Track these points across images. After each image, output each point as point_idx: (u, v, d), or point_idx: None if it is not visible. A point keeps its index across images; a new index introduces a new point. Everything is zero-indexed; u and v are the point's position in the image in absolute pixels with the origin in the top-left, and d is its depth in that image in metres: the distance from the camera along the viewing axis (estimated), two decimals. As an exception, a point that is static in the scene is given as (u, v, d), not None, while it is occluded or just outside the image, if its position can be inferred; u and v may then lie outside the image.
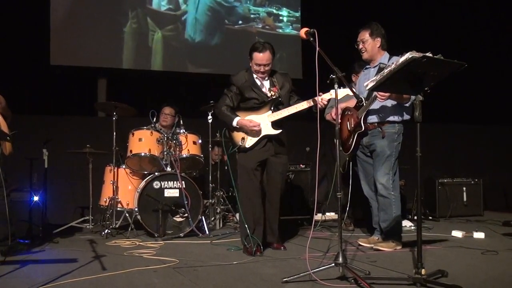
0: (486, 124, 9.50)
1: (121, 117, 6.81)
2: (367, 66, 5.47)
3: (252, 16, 10.15)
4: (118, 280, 4.00)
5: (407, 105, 5.10)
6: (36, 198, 6.33)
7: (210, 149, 7.26)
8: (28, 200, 6.27)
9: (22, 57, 8.38)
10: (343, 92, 4.62)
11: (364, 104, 5.12)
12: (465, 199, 8.26)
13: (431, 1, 9.80)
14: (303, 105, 4.99)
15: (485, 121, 9.57)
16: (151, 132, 6.60)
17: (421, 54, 3.66)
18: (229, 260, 4.73)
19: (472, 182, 8.40)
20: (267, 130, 5.11)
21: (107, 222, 6.43)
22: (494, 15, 10.42)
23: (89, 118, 8.73)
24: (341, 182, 4.17)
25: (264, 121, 5.10)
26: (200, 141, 6.88)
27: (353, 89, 4.86)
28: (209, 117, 7.08)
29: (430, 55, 3.97)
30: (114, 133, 6.60)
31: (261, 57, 5.14)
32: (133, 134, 6.62)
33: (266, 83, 5.28)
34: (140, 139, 6.57)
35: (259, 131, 5.09)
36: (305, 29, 4.37)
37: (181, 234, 6.24)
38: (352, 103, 5.60)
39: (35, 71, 8.56)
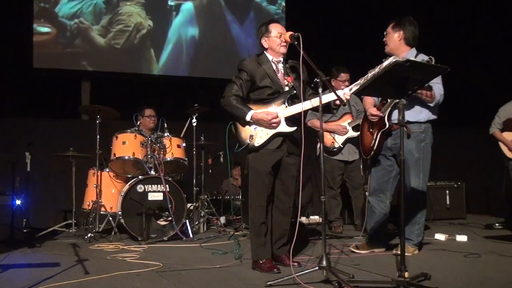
0: (469, 128, 9.55)
1: (105, 120, 6.78)
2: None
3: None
4: (101, 284, 3.99)
5: (431, 105, 4.94)
6: (18, 202, 6.29)
7: (194, 152, 7.23)
8: (10, 204, 6.22)
9: (4, 59, 8.34)
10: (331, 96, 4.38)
11: (388, 102, 5.02)
12: (448, 202, 8.34)
13: (422, 3, 9.94)
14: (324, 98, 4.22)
15: (468, 125, 9.63)
16: (135, 136, 6.58)
17: (404, 58, 3.69)
18: (213, 264, 4.71)
19: (455, 185, 8.48)
20: (281, 127, 4.45)
21: (90, 226, 6.39)
22: (470, 18, 10.56)
23: (72, 121, 8.69)
24: (325, 186, 4.19)
25: None
26: (184, 144, 6.86)
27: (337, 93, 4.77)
28: (194, 120, 7.08)
29: (413, 59, 4.00)
30: (98, 136, 6.56)
31: (281, 26, 4.64)
32: (116, 137, 6.59)
33: (281, 69, 4.62)
34: (124, 142, 6.54)
35: (276, 126, 4.45)
36: (289, 33, 4.37)
37: (165, 238, 6.21)
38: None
39: (17, 74, 8.52)
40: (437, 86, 4.77)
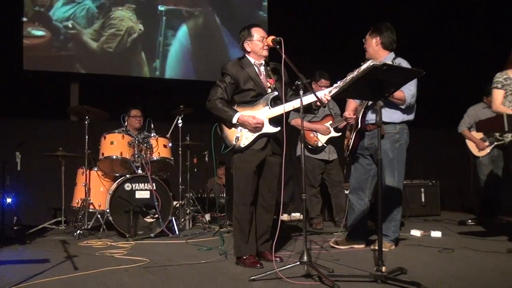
0: (443, 129, 9.67)
1: (94, 121, 6.85)
2: None
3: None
4: (90, 280, 4.03)
5: (402, 107, 5.05)
6: (9, 200, 6.36)
7: (180, 151, 7.34)
8: (0, 202, 6.31)
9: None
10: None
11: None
12: (423, 200, 8.51)
13: (402, 6, 10.13)
14: (304, 100, 4.28)
15: (442, 126, 9.76)
16: (123, 136, 6.66)
17: (381, 62, 3.84)
18: (198, 260, 4.77)
19: (430, 183, 8.65)
20: (265, 128, 4.52)
21: (79, 223, 6.47)
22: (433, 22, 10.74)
23: (62, 121, 8.75)
24: (306, 184, 4.30)
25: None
26: (170, 144, 6.96)
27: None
28: (179, 121, 7.19)
29: (390, 62, 4.16)
30: (87, 137, 6.62)
31: (263, 30, 4.69)
32: (105, 137, 6.67)
33: (263, 71, 4.69)
34: (112, 143, 6.61)
35: (260, 129, 4.52)
36: (271, 37, 4.44)
37: (152, 235, 6.30)
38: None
39: (8, 75, 8.57)
40: (407, 88, 4.81)
